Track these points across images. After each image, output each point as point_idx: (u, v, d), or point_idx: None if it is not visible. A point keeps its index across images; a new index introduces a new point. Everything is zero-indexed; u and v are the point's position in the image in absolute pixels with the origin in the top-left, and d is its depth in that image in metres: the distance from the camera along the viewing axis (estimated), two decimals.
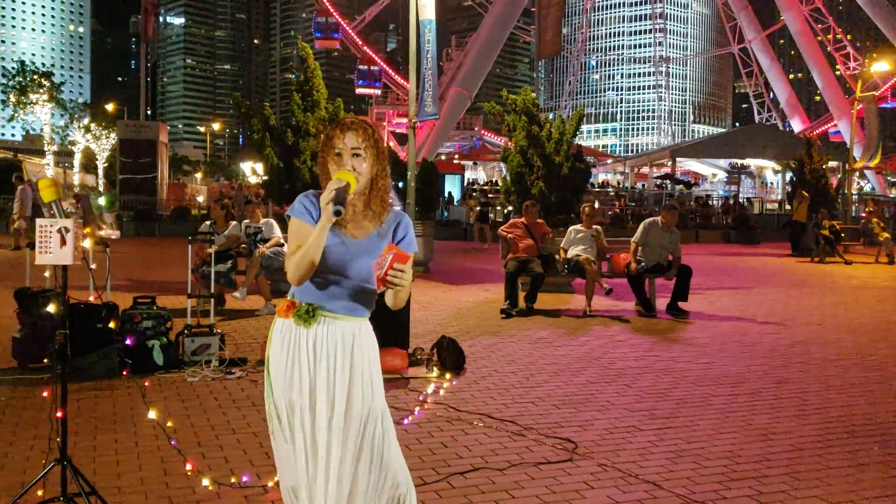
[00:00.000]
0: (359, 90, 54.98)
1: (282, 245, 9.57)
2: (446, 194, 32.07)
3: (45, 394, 4.32)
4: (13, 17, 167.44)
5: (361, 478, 2.55)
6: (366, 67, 53.13)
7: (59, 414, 3.20)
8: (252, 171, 53.86)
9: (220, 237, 9.15)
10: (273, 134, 14.35)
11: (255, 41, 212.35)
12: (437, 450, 4.53)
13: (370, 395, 2.58)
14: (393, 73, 62.46)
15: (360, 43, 61.49)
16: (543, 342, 8.02)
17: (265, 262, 9.37)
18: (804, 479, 4.21)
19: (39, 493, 3.39)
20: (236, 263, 9.46)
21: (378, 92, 56.59)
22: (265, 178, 18.51)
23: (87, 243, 3.26)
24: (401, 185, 14.07)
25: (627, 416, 5.35)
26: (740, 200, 37.02)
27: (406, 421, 5.11)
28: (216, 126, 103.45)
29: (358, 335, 2.58)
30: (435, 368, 6.48)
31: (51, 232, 2.97)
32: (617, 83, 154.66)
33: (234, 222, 9.68)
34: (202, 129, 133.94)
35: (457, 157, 54.75)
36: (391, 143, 47.70)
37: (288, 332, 2.56)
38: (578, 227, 10.42)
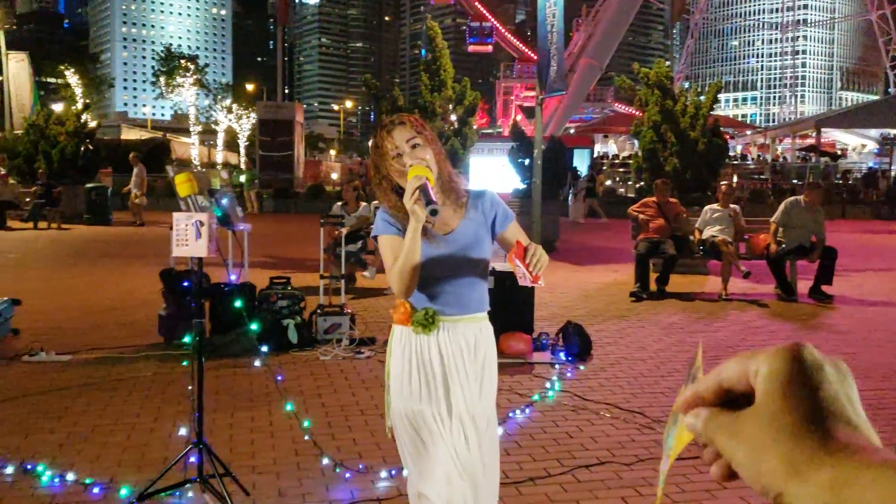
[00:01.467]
0: (470, 48, 54.32)
1: None
2: (572, 171, 31.49)
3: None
4: (161, 3, 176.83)
5: (487, 483, 2.49)
6: (477, 24, 52.39)
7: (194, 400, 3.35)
8: None
9: (351, 218, 9.36)
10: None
11: (386, 18, 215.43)
12: (561, 440, 4.46)
13: (491, 396, 2.54)
14: (521, 45, 61.73)
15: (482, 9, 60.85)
16: (675, 328, 7.77)
17: None
18: None
19: (183, 470, 3.57)
20: (366, 244, 9.66)
21: (489, 49, 55.67)
22: None
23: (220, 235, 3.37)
24: (527, 162, 13.91)
25: None
26: (893, 173, 34.49)
27: (529, 409, 5.06)
28: (349, 104, 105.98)
29: (479, 336, 2.49)
30: (560, 354, 6.40)
31: (187, 225, 3.10)
32: (757, 49, 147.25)
33: (365, 203, 9.87)
34: (336, 108, 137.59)
35: (585, 130, 53.71)
36: (518, 118, 47.27)
37: (408, 341, 2.46)
38: (715, 206, 9.99)
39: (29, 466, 3.89)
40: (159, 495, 3.46)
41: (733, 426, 0.55)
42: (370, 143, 2.55)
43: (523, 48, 61.43)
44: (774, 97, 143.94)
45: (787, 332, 7.61)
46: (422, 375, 2.43)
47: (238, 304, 6.30)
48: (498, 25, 59.29)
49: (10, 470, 3.88)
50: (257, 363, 5.84)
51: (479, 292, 2.51)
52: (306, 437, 4.28)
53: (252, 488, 3.69)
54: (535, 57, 17.73)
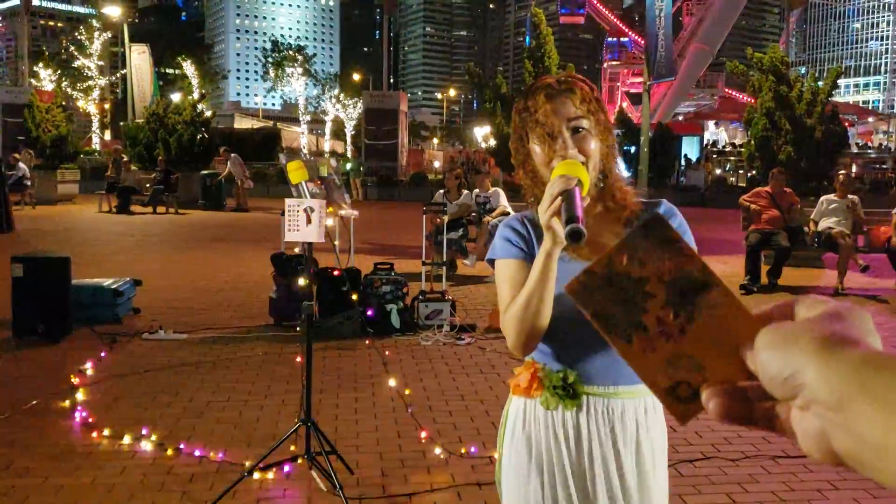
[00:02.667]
0: (563, 19, 53.60)
1: (507, 214, 9.71)
2: (683, 158, 30.77)
3: (297, 359, 4.70)
4: None
5: None
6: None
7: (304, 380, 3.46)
8: (484, 138, 54.99)
9: (453, 206, 9.43)
10: (504, 102, 14.47)
11: (491, 6, 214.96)
12: None
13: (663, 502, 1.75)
14: (628, 31, 60.50)
15: (610, 15, 59.90)
16: None
17: (493, 231, 9.55)
18: None
19: (292, 448, 3.71)
20: (467, 231, 9.73)
21: (581, 20, 54.84)
22: (495, 144, 18.79)
23: (331, 221, 3.47)
24: (632, 149, 13.67)
25: None
26: None
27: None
28: (452, 92, 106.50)
29: (644, 418, 1.69)
30: None
31: (298, 211, 3.21)
32: (882, 31, 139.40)
33: (466, 191, 9.94)
34: (439, 96, 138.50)
35: (694, 117, 52.24)
36: (624, 104, 46.40)
37: (533, 421, 1.71)
38: (832, 196, 9.56)
39: (150, 437, 4.12)
40: (269, 469, 3.60)
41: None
42: (515, 106, 1.71)
43: (631, 34, 60.21)
44: None
45: None
46: (553, 478, 1.68)
47: (345, 288, 6.48)
48: (635, 36, 58.25)
49: (131, 440, 4.12)
50: (362, 346, 5.98)
51: None
52: (409, 412, 4.37)
53: (356, 467, 3.80)
54: (641, 41, 17.34)
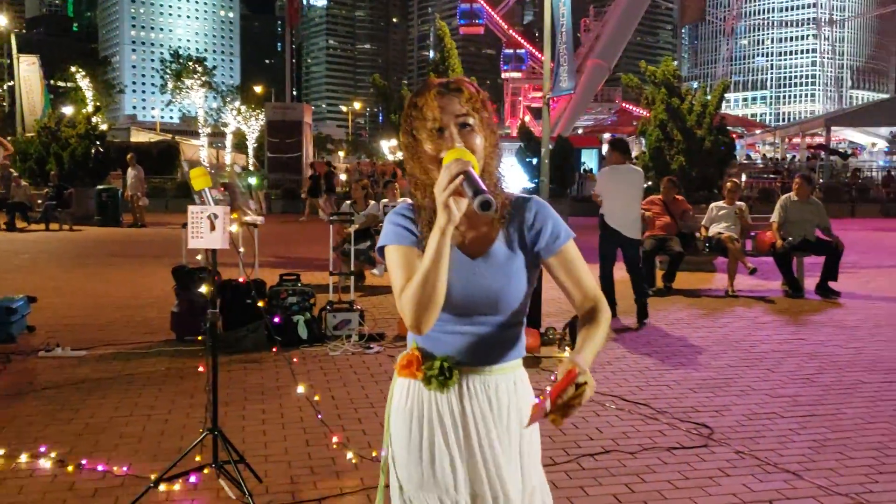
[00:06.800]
0: (462, 30, 54.93)
1: None
2: (582, 170, 31.62)
3: (199, 368, 4.64)
4: (170, 6, 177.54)
5: None
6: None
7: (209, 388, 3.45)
8: (391, 150, 55.09)
9: (360, 216, 9.46)
10: None
11: (394, 19, 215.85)
12: (567, 430, 4.54)
13: (535, 470, 1.91)
14: (529, 46, 61.84)
15: (506, 27, 61.26)
16: (681, 323, 7.84)
17: None
18: None
19: (198, 458, 3.67)
20: (374, 242, 9.77)
21: (481, 30, 56.66)
22: (402, 156, 18.89)
23: (234, 228, 3.48)
24: (534, 161, 14.01)
25: (768, 402, 5.17)
26: None
27: (537, 400, 5.14)
28: (357, 105, 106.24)
29: (514, 391, 1.86)
30: (567, 348, 6.48)
31: (202, 218, 3.20)
32: (767, 48, 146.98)
33: (373, 202, 9.98)
34: (344, 109, 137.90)
35: (592, 131, 53.80)
36: (527, 118, 47.36)
37: (418, 399, 1.84)
38: (721, 203, 10.07)
39: (49, 455, 4.00)
40: (175, 480, 3.55)
41: None
42: (406, 104, 1.81)
43: (527, 45, 61.50)
44: (785, 96, 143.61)
45: (792, 328, 7.67)
46: (435, 448, 1.82)
47: (249, 300, 6.42)
48: (527, 45, 59.42)
49: (29, 458, 3.98)
50: (268, 358, 5.94)
51: (515, 333, 1.85)
52: (319, 417, 4.38)
53: (265, 475, 3.79)
54: (540, 55, 17.81)
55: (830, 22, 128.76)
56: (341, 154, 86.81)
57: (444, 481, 1.81)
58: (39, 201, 18.78)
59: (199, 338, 6.29)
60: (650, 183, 15.80)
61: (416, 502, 1.84)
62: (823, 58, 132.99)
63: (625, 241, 7.78)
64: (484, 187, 1.56)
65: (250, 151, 55.40)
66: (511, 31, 61.19)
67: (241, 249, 3.69)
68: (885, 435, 4.54)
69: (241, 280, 6.16)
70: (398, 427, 1.88)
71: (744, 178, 31.91)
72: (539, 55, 55.84)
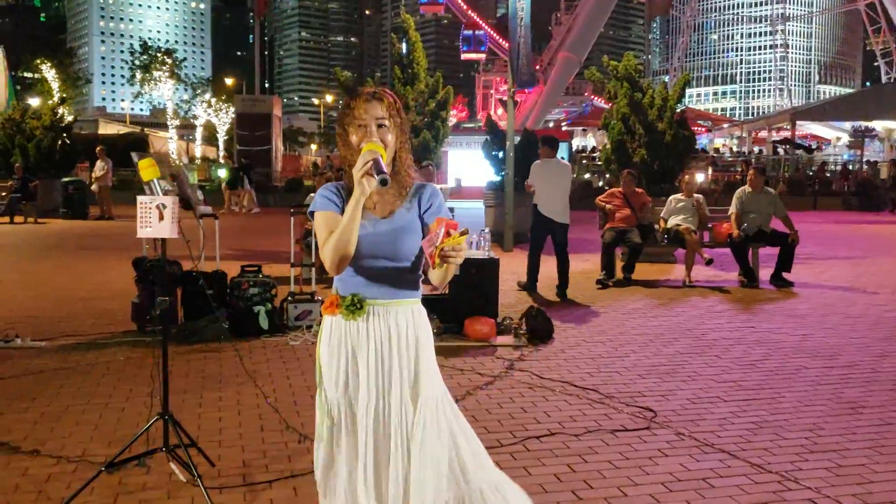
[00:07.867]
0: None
1: None
2: None
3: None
4: None
5: (428, 465, 2.37)
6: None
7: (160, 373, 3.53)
8: None
9: None
10: None
11: (367, 11, 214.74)
12: (516, 414, 4.68)
13: (430, 381, 2.44)
14: (500, 40, 61.84)
15: (465, 8, 61.07)
16: (637, 313, 8.02)
17: None
18: (888, 453, 4.14)
19: (146, 445, 3.75)
20: None
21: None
22: None
23: (202, 221, 3.55)
24: (500, 154, 14.13)
25: (713, 387, 5.35)
26: (864, 165, 35.04)
27: (488, 387, 5.28)
28: (329, 98, 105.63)
29: (411, 320, 2.44)
30: (522, 337, 6.63)
31: (150, 208, 3.28)
32: (736, 43, 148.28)
33: None
34: (316, 102, 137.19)
35: (564, 124, 54.03)
36: (499, 111, 47.48)
37: (338, 330, 2.43)
38: (679, 196, 10.27)
39: (6, 443, 4.06)
40: (126, 465, 3.64)
41: None
42: (342, 105, 2.48)
43: (503, 42, 61.43)
44: (754, 91, 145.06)
45: (744, 316, 7.88)
46: (351, 365, 2.42)
47: (210, 291, 6.48)
48: (492, 32, 59.20)
49: None
50: (227, 348, 6.01)
51: (412, 277, 2.45)
52: (267, 401, 4.47)
53: (217, 459, 3.88)
54: (503, 42, 17.85)
55: (784, 18, 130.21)
56: (313, 147, 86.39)
57: (354, 388, 2.41)
58: (4, 194, 18.59)
59: (151, 325, 6.34)
60: (608, 175, 15.97)
61: (333, 405, 2.43)
62: (787, 53, 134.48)
63: (556, 226, 8.85)
64: (385, 170, 2.23)
65: (220, 144, 55.05)
66: (470, 12, 60.87)
67: (189, 241, 3.77)
68: (819, 417, 4.73)
69: (191, 269, 6.21)
70: (325, 355, 2.45)
71: (710, 170, 32.33)
72: (501, 41, 55.93)
